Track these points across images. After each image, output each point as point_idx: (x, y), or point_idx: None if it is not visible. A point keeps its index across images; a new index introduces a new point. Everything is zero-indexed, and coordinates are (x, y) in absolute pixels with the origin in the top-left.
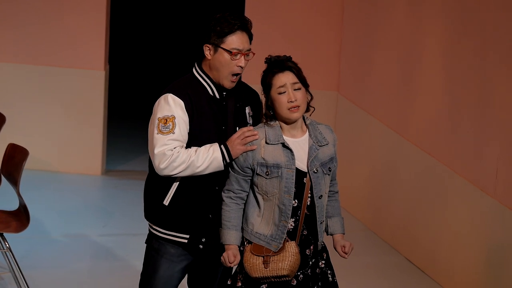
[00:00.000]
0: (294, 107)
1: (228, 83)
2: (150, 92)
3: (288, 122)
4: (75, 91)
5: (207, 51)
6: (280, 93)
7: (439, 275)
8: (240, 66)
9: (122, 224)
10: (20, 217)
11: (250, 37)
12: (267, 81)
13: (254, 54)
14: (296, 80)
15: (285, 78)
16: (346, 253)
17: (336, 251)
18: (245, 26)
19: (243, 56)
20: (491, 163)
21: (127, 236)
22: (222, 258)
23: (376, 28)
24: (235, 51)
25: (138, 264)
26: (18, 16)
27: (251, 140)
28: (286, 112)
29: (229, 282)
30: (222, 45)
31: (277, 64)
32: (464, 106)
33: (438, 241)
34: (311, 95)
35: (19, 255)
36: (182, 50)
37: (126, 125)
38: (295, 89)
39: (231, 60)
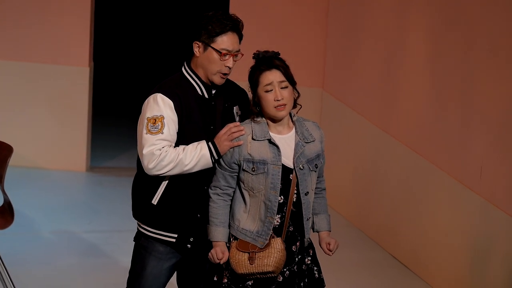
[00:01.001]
0: (281, 106)
1: (217, 79)
2: (135, 88)
3: (274, 120)
4: (60, 87)
5: (196, 48)
6: (267, 91)
7: (423, 271)
8: (228, 67)
9: (107, 221)
10: (4, 214)
11: (240, 38)
12: (254, 78)
13: (242, 55)
14: (283, 78)
15: (272, 77)
16: (331, 250)
17: (321, 248)
18: (237, 27)
19: (231, 57)
20: (475, 160)
21: (113, 232)
22: (210, 254)
23: (361, 25)
24: (224, 51)
25: (123, 260)
26: (1, 13)
27: (237, 135)
28: (272, 110)
29: (215, 278)
30: (212, 45)
31: (264, 61)
32: (448, 102)
33: (422, 237)
34: (298, 92)
35: (4, 252)
36: (168, 47)
37: (111, 121)
38: (282, 88)
39: (220, 60)
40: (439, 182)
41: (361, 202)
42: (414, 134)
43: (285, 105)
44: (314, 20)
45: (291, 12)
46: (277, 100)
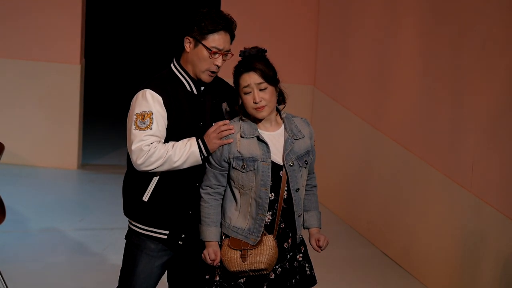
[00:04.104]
0: (259, 107)
1: (205, 77)
2: (127, 86)
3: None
4: (51, 85)
5: (187, 43)
6: (245, 93)
7: (415, 268)
8: (217, 65)
9: (98, 218)
10: None
11: (232, 38)
12: (235, 79)
13: (232, 55)
14: (260, 80)
15: (249, 79)
16: (320, 247)
17: (311, 244)
18: (230, 27)
19: (221, 56)
20: (467, 157)
21: (104, 230)
22: (203, 255)
23: (352, 22)
24: (214, 49)
25: (114, 258)
26: None
27: (227, 134)
28: (252, 111)
29: (207, 277)
30: (203, 42)
31: (244, 62)
32: (439, 99)
33: (413, 234)
34: (281, 90)
35: None
36: (159, 44)
37: (102, 119)
38: (260, 89)
39: (209, 58)
40: (430, 179)
41: (352, 199)
42: (405, 131)
43: (265, 106)
44: (305, 17)
45: (283, 10)
46: (255, 103)
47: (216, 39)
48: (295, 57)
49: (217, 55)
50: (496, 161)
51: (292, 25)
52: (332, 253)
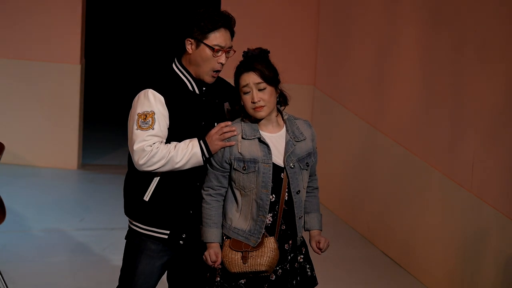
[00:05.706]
0: (258, 108)
1: (208, 78)
2: (126, 85)
3: (257, 119)
4: (51, 85)
5: (189, 45)
6: (245, 93)
7: (415, 268)
8: (221, 63)
9: (99, 218)
10: None
11: (232, 35)
12: (235, 79)
13: (234, 51)
14: (259, 80)
15: (248, 78)
16: (320, 249)
17: (311, 246)
18: (229, 24)
19: (224, 53)
20: (467, 157)
21: (104, 230)
22: (204, 257)
23: (352, 22)
24: (217, 47)
25: (115, 258)
26: None
27: (229, 136)
28: (251, 111)
29: (207, 276)
30: (205, 41)
31: (244, 62)
32: (440, 100)
33: (413, 234)
34: (282, 92)
35: None
36: (159, 45)
37: (102, 118)
38: (259, 89)
39: (213, 57)
40: (430, 179)
41: (352, 199)
42: (405, 131)
43: (263, 106)
44: (305, 17)
45: (283, 10)
46: (253, 102)
47: (218, 37)
48: (295, 57)
49: (220, 53)
50: (496, 161)
51: (292, 25)
52: (333, 254)
